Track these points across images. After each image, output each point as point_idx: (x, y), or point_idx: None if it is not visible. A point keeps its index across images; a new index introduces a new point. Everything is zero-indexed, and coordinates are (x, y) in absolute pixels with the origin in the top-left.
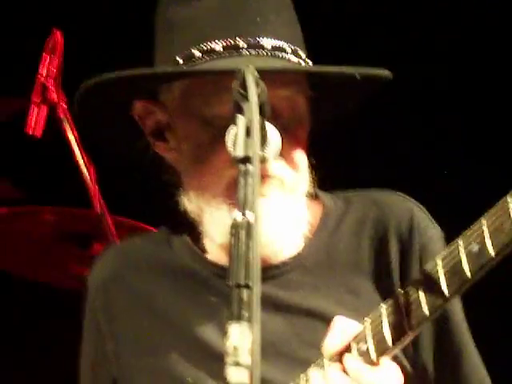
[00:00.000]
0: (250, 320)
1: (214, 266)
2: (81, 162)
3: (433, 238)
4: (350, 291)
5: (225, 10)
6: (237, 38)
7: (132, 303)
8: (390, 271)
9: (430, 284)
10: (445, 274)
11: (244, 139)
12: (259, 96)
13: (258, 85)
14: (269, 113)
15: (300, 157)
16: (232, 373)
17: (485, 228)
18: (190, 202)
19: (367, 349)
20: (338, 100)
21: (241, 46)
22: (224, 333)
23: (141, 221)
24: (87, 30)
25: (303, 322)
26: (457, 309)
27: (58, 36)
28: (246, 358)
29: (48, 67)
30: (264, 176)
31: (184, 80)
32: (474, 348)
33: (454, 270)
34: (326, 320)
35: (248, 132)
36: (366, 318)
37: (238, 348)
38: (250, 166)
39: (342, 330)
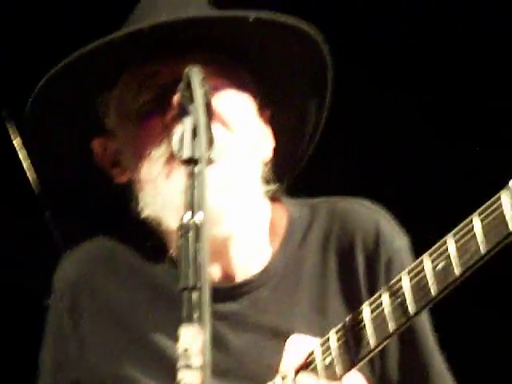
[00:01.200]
0: (200, 322)
1: None
2: (26, 166)
3: (399, 249)
4: (317, 309)
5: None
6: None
7: (99, 307)
8: (357, 285)
9: (395, 300)
10: (411, 290)
11: (190, 141)
12: (204, 97)
13: (202, 86)
14: (213, 114)
15: (232, 118)
16: (183, 375)
17: (451, 246)
18: (147, 207)
19: (330, 362)
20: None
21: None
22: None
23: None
24: (31, 34)
25: (271, 342)
26: (423, 320)
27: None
28: (196, 359)
29: None
30: None
31: (114, 90)
32: (441, 359)
33: (418, 287)
34: None
35: (194, 133)
36: (331, 331)
37: (188, 350)
38: (197, 167)
39: (298, 348)
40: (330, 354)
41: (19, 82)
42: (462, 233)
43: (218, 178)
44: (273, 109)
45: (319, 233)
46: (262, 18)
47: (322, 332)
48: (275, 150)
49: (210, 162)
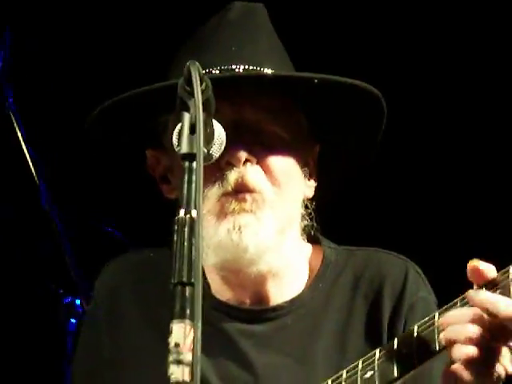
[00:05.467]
0: (192, 318)
1: (214, 299)
2: (28, 157)
3: (422, 299)
4: (338, 345)
5: (205, 43)
6: (211, 69)
7: (136, 318)
8: (380, 330)
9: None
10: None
11: (188, 136)
12: (204, 92)
13: (202, 81)
14: (213, 109)
15: (281, 173)
16: (173, 370)
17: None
18: None
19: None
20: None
21: (214, 73)
22: (215, 362)
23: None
24: (37, 25)
25: (291, 367)
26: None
27: (6, 31)
28: (187, 355)
29: None
30: (244, 190)
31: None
32: None
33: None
34: (311, 368)
35: (193, 129)
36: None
37: (179, 345)
38: (193, 163)
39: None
40: None
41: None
42: None
43: (261, 225)
44: (321, 146)
45: (351, 276)
46: (327, 79)
47: (337, 368)
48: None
49: (209, 158)
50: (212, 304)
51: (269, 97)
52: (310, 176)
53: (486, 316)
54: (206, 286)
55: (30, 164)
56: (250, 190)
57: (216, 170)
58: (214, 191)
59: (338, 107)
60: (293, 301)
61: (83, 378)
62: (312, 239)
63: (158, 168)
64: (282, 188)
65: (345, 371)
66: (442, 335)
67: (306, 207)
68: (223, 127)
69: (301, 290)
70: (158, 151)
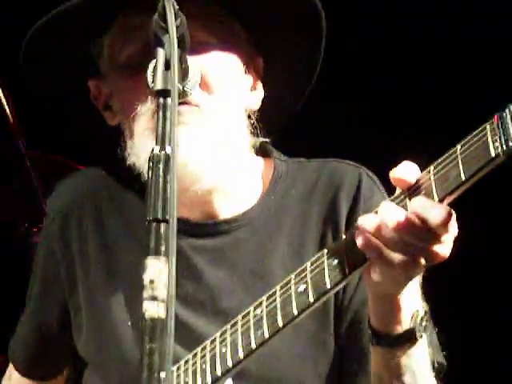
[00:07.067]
0: (167, 254)
1: None
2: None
3: (376, 204)
4: (295, 257)
5: None
6: None
7: (87, 234)
8: (337, 234)
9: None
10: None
11: (163, 72)
12: (178, 28)
13: (177, 17)
14: (188, 46)
15: (212, 78)
16: (148, 306)
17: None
18: (132, 156)
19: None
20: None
21: None
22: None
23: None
24: None
25: (245, 280)
26: None
27: None
28: (162, 292)
29: None
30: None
31: (105, 38)
32: None
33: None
34: (267, 280)
35: (167, 65)
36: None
37: (154, 282)
38: (168, 99)
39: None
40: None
41: None
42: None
43: (199, 137)
44: (265, 57)
45: (304, 186)
46: None
47: None
48: (265, 101)
49: (183, 94)
50: None
51: (195, 5)
52: (253, 87)
53: (400, 219)
54: None
55: (4, 101)
56: (183, 103)
57: (146, 83)
58: (148, 106)
59: (276, 16)
60: (244, 214)
61: (40, 293)
62: (263, 153)
63: (100, 97)
64: (216, 93)
65: (278, 287)
66: (357, 240)
67: (249, 117)
68: (149, 40)
69: (253, 204)
70: (98, 80)
